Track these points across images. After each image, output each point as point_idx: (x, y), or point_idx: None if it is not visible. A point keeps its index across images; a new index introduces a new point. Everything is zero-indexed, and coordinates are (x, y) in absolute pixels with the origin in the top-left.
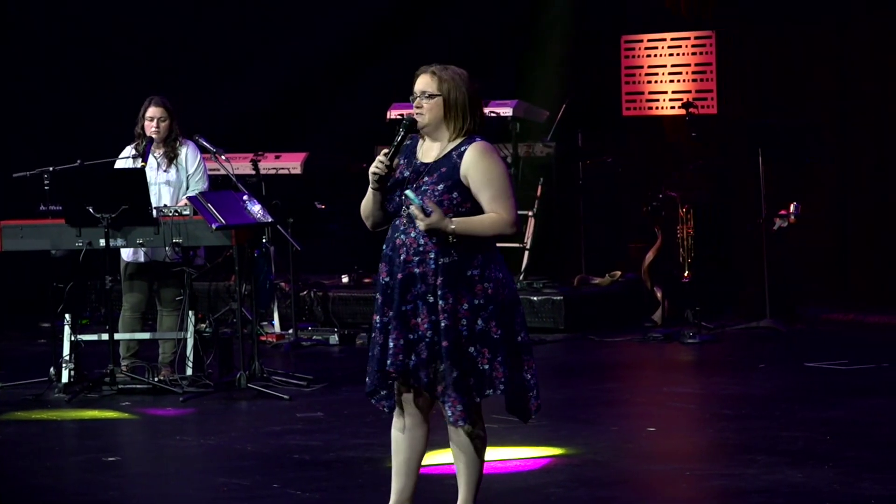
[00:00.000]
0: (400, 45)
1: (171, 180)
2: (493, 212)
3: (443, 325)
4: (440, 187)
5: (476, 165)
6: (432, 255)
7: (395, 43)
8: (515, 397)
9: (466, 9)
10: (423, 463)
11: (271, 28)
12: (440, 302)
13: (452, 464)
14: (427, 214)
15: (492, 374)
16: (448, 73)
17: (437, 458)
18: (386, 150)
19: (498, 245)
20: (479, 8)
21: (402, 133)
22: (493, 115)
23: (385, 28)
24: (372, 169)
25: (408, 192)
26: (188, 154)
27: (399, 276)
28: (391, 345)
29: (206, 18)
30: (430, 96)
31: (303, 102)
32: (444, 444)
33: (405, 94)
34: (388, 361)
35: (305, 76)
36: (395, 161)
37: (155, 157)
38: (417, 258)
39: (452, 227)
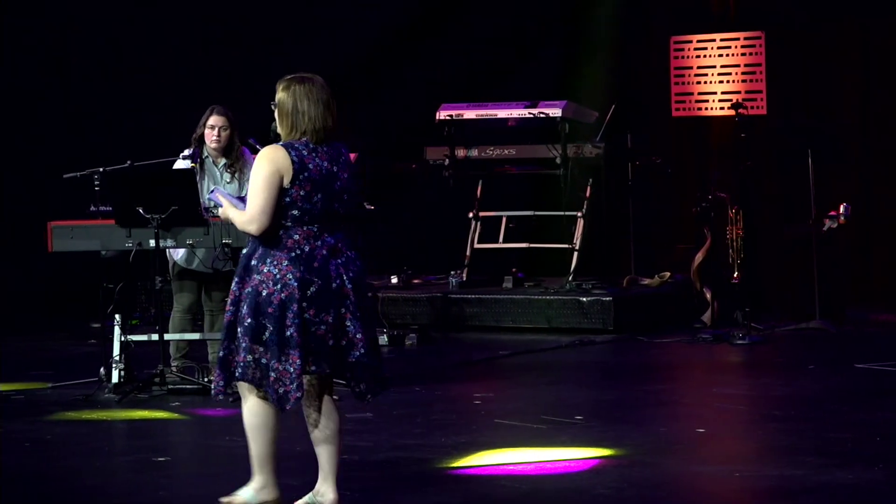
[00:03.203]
0: (448, 43)
1: (235, 191)
2: None
3: (227, 303)
4: None
5: None
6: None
7: (443, 43)
8: (271, 388)
9: (514, 7)
10: (471, 463)
11: (313, 24)
12: (232, 285)
13: (500, 464)
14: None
15: (243, 358)
16: (285, 84)
17: (487, 458)
18: None
19: (546, 246)
20: (525, 6)
21: None
22: (542, 115)
23: (432, 28)
24: None
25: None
26: (246, 165)
27: None
28: None
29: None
30: None
31: (354, 100)
32: (490, 444)
33: (454, 95)
34: None
35: (352, 72)
36: None
37: (217, 167)
38: None
39: (227, 217)
